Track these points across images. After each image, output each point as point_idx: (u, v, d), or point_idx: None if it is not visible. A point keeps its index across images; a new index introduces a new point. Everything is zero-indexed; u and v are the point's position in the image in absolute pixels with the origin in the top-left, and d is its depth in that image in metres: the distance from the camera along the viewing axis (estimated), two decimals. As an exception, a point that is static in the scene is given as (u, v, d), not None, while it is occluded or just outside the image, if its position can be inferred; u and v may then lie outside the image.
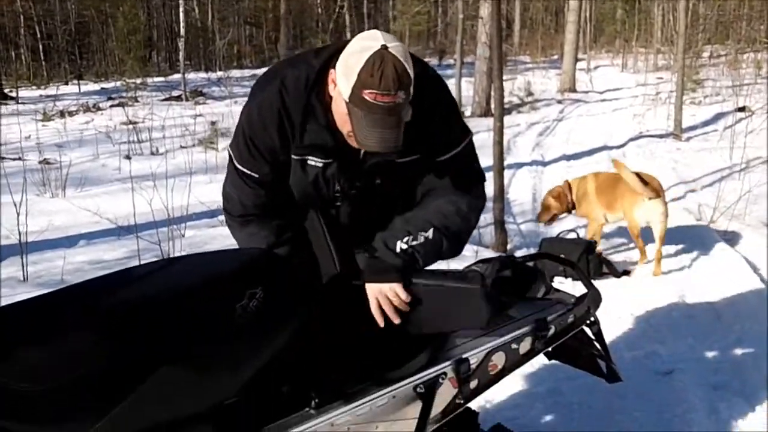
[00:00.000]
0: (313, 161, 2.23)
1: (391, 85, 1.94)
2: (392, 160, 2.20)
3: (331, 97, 2.12)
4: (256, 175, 2.28)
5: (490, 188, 6.36)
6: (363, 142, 2.02)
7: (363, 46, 1.99)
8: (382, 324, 2.18)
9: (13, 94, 19.88)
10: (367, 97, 1.95)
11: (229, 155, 2.36)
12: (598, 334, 2.58)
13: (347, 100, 2.00)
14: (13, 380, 1.52)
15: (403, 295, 2.17)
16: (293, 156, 2.24)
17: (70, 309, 1.78)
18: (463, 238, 2.35)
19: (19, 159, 9.64)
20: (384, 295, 2.17)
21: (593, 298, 2.51)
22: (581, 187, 6.24)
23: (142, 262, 4.50)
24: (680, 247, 6.39)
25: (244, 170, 2.29)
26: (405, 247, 2.21)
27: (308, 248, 2.40)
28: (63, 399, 1.56)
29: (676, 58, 13.38)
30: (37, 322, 1.69)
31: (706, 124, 12.96)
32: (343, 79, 2.00)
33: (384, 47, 1.96)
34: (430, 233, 2.24)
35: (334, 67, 2.08)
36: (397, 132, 2.00)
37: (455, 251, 2.34)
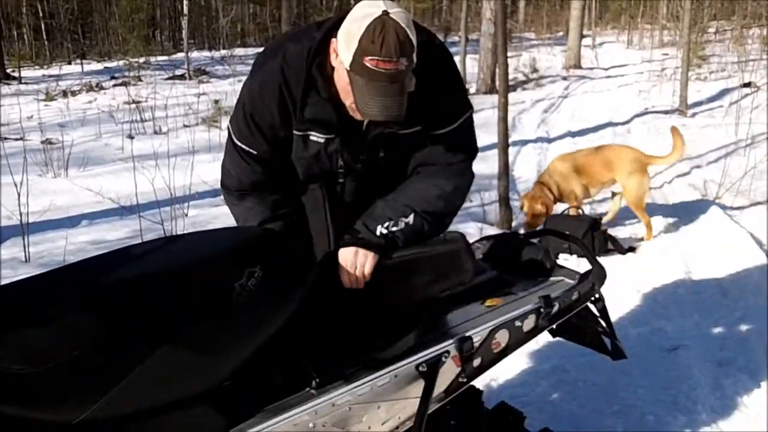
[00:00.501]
0: (315, 137, 2.20)
1: (393, 51, 1.90)
2: (395, 132, 2.18)
3: (333, 68, 2.09)
4: (255, 152, 2.26)
5: (494, 165, 6.39)
6: (365, 111, 1.99)
7: (364, 13, 1.95)
8: (348, 283, 2.15)
9: (16, 74, 19.82)
10: (368, 64, 1.92)
11: (229, 131, 2.34)
12: (603, 311, 2.55)
13: (348, 69, 1.96)
14: (9, 362, 1.50)
15: (369, 267, 2.14)
16: (295, 131, 2.21)
17: (67, 288, 1.76)
18: (446, 221, 2.33)
19: (21, 139, 9.61)
20: (353, 258, 2.14)
21: (598, 274, 2.48)
22: (556, 176, 6.20)
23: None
24: (686, 223, 6.36)
25: (243, 146, 2.26)
26: (385, 232, 2.18)
27: (305, 225, 2.37)
28: (60, 381, 1.54)
29: (682, 34, 13.24)
30: (33, 302, 1.67)
31: (711, 100, 12.87)
32: (344, 47, 1.97)
33: (385, 13, 1.92)
34: (410, 218, 2.21)
35: (336, 37, 2.05)
36: (400, 100, 1.97)
37: (437, 233, 2.30)
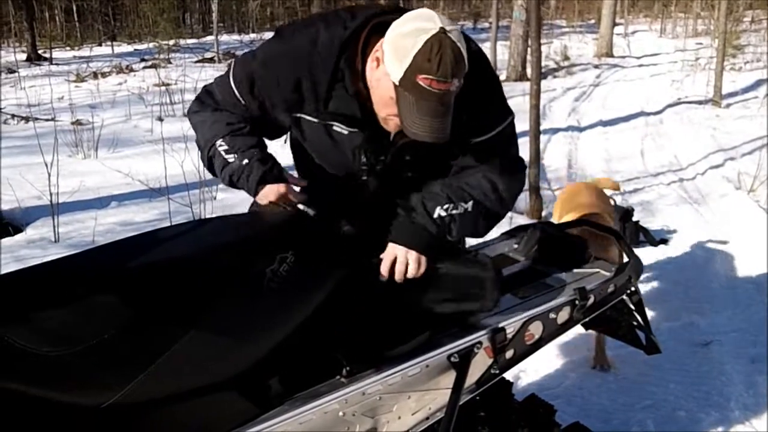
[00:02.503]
0: (339, 128, 2.12)
1: (449, 72, 1.83)
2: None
3: (362, 65, 2.02)
4: (243, 103, 2.17)
5: (525, 153, 6.30)
6: (411, 130, 1.90)
7: (419, 27, 1.85)
8: (386, 276, 2.05)
9: (47, 56, 19.98)
10: (421, 83, 1.83)
11: (229, 67, 2.23)
12: (639, 304, 2.51)
13: (397, 83, 1.87)
14: (38, 344, 1.49)
15: (422, 269, 2.05)
16: (312, 119, 2.13)
17: (96, 271, 1.75)
18: (495, 221, 2.21)
19: (52, 120, 9.65)
20: (404, 258, 2.04)
21: (634, 267, 2.43)
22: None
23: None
24: (719, 215, 6.26)
25: (236, 92, 2.17)
26: (443, 214, 2.07)
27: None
28: (89, 364, 1.53)
29: (717, 23, 13.08)
30: (62, 283, 1.66)
31: (746, 90, 12.70)
32: (394, 60, 1.87)
33: (443, 30, 1.83)
34: (469, 205, 2.10)
35: (368, 33, 1.99)
36: (447, 121, 1.90)
37: (484, 232, 2.22)
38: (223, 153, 2.13)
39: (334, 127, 2.12)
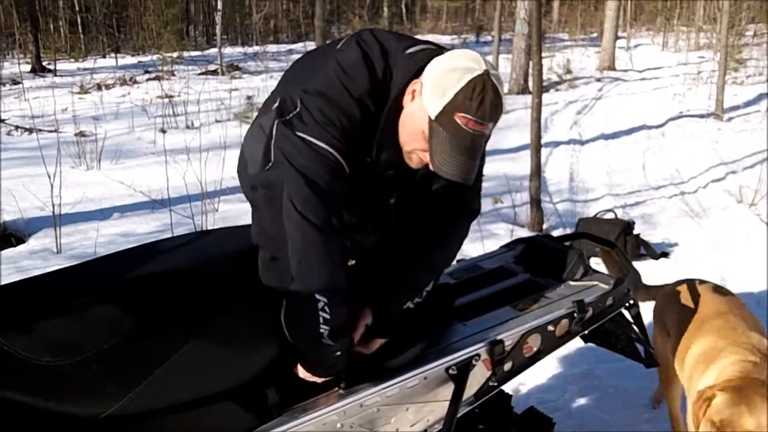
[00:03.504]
0: (369, 159, 2.00)
1: (487, 114, 1.82)
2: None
3: (401, 108, 1.94)
4: (332, 151, 1.83)
5: (526, 166, 6.33)
6: (439, 167, 1.86)
7: (463, 66, 1.84)
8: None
9: (51, 67, 20.03)
10: (458, 121, 1.81)
11: (286, 126, 1.87)
12: (637, 317, 2.52)
13: (433, 118, 1.84)
14: (36, 354, 1.50)
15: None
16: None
17: (97, 281, 1.76)
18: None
19: (55, 131, 9.68)
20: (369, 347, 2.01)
21: (633, 279, 2.44)
22: None
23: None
24: (720, 229, 6.26)
25: (316, 142, 1.82)
26: (412, 306, 2.07)
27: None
28: (88, 374, 1.54)
29: (719, 36, 13.07)
30: (63, 294, 1.67)
31: (748, 104, 12.69)
32: (433, 95, 1.84)
33: (486, 73, 1.83)
34: (430, 286, 2.10)
35: (415, 77, 1.91)
36: (476, 164, 1.89)
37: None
38: (321, 320, 1.83)
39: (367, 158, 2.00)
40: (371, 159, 1.97)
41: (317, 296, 1.78)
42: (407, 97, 1.92)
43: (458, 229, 2.18)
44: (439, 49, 1.98)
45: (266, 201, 1.80)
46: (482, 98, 1.81)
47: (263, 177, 1.84)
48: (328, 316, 1.80)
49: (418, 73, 1.91)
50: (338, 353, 1.86)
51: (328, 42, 2.34)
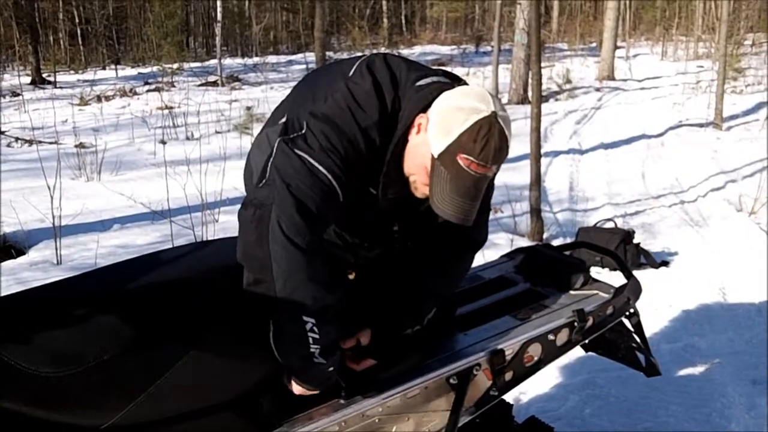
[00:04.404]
0: (373, 190, 1.99)
1: (491, 157, 1.79)
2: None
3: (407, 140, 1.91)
4: (329, 176, 1.80)
5: (526, 175, 6.34)
6: (438, 206, 1.84)
7: (470, 106, 1.80)
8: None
9: (51, 79, 20.08)
10: (461, 162, 1.78)
11: (291, 151, 1.83)
12: (638, 326, 2.51)
13: (435, 156, 1.81)
14: (36, 365, 1.50)
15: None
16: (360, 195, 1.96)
17: (97, 292, 1.76)
18: None
19: (55, 143, 9.69)
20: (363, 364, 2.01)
21: (633, 288, 2.44)
22: None
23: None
24: (719, 238, 6.27)
25: (315, 164, 1.80)
26: (410, 332, 2.08)
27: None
28: (88, 385, 1.54)
29: (718, 46, 13.12)
30: (63, 305, 1.67)
31: (747, 113, 12.72)
32: (438, 133, 1.81)
33: (494, 114, 1.80)
34: (431, 314, 2.11)
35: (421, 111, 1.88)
36: (476, 206, 1.86)
37: None
38: (310, 341, 1.80)
39: (370, 189, 1.99)
40: (376, 191, 1.96)
41: (304, 318, 1.75)
42: (413, 130, 1.89)
43: (463, 259, 2.18)
44: (450, 83, 1.93)
45: (254, 220, 1.76)
46: (487, 141, 1.78)
47: (255, 195, 1.82)
48: (317, 336, 1.77)
49: (426, 108, 1.88)
50: (331, 369, 1.84)
51: (339, 60, 2.30)
